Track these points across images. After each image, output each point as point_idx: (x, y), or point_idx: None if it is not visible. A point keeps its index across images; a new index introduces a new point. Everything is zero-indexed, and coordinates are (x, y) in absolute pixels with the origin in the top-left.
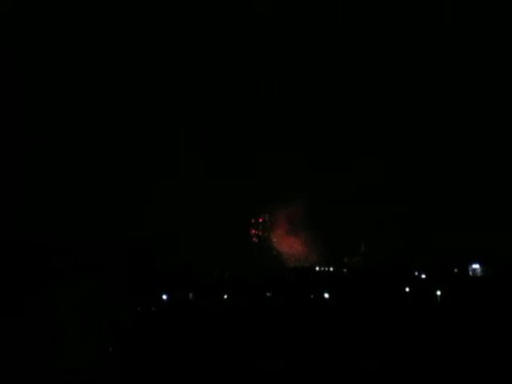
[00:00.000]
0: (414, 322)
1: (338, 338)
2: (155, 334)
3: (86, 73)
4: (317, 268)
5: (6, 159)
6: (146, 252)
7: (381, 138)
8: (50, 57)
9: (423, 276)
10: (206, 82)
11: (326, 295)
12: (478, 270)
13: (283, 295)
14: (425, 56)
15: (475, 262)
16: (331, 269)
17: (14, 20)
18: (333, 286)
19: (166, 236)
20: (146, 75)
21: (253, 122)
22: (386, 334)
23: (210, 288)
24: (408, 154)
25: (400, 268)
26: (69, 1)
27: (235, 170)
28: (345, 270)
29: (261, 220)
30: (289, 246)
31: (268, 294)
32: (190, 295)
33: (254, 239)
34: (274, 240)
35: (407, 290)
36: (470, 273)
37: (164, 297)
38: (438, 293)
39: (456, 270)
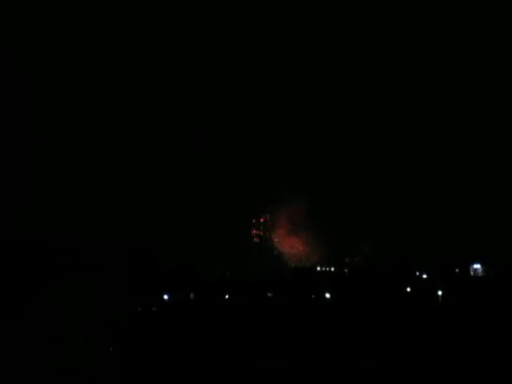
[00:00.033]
0: (416, 321)
1: (339, 338)
2: (156, 333)
3: (86, 73)
4: (318, 268)
5: (6, 159)
6: (147, 252)
7: (381, 138)
8: (50, 57)
9: (424, 276)
10: (206, 82)
11: (328, 295)
12: (480, 270)
13: (284, 295)
14: (425, 57)
15: (476, 262)
16: (332, 269)
17: (14, 20)
18: (334, 286)
19: (167, 236)
20: (145, 75)
21: (253, 122)
22: (387, 334)
23: (211, 288)
24: (409, 154)
25: (401, 268)
26: (69, 1)
27: (236, 170)
28: (346, 270)
29: (262, 220)
30: (290, 246)
31: (269, 294)
32: (192, 295)
33: (255, 239)
34: (275, 240)
35: (408, 290)
36: (472, 273)
37: (165, 297)
38: (440, 293)
39: (457, 270)
